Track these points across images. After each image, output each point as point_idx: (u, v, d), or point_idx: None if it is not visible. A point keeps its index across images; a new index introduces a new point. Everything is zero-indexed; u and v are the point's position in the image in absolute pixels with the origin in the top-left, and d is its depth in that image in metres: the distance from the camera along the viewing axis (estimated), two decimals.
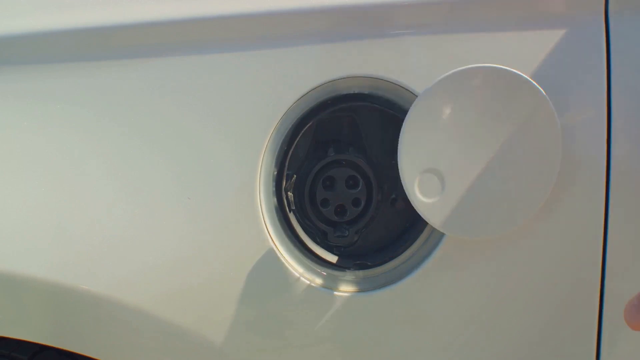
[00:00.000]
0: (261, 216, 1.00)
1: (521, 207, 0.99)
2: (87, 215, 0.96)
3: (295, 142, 1.02)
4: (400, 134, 0.97)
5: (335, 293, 1.03)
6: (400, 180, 0.99)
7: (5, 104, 0.96)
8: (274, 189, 1.02)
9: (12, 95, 0.96)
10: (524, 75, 0.95)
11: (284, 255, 1.01)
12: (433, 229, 1.04)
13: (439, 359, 1.07)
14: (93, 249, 0.96)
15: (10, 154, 0.96)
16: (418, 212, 0.99)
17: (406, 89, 0.99)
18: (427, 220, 0.99)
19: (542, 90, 0.95)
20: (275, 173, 1.02)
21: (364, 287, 1.05)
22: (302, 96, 0.99)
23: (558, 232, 1.03)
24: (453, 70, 0.95)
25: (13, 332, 0.99)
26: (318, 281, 1.03)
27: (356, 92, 1.01)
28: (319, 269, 1.05)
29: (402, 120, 0.97)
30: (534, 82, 0.95)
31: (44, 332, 1.00)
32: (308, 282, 1.02)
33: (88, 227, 0.96)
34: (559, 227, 1.03)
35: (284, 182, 1.02)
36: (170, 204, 0.97)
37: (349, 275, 1.06)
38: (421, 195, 0.98)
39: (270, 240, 1.00)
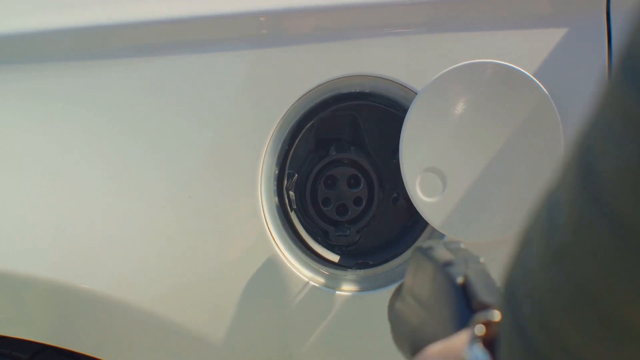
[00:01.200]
0: (262, 215, 0.99)
1: (522, 210, 0.98)
2: (88, 215, 0.96)
3: (297, 141, 1.01)
4: (401, 132, 0.96)
5: (337, 292, 1.03)
6: (401, 179, 0.99)
7: (5, 103, 0.96)
8: (276, 188, 1.02)
9: (12, 95, 0.96)
10: (524, 71, 0.95)
11: (286, 254, 1.01)
12: (434, 228, 1.04)
13: None
14: (93, 248, 0.96)
15: (10, 154, 0.96)
16: (419, 211, 0.98)
17: (407, 88, 0.99)
18: (427, 220, 0.99)
19: (543, 87, 0.95)
20: (277, 172, 1.02)
21: (366, 286, 1.05)
22: (304, 95, 0.99)
23: None
24: (452, 67, 0.95)
25: (14, 332, 0.99)
26: (319, 280, 1.03)
27: (357, 90, 1.01)
28: (320, 268, 1.05)
29: (404, 119, 0.97)
30: (535, 79, 0.95)
31: (45, 331, 1.00)
32: (309, 281, 1.02)
33: (89, 226, 0.96)
34: None
35: (285, 181, 1.02)
36: (172, 203, 0.97)
37: (351, 274, 1.06)
38: (422, 194, 0.98)
39: (271, 239, 1.00)
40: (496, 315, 0.48)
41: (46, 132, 0.96)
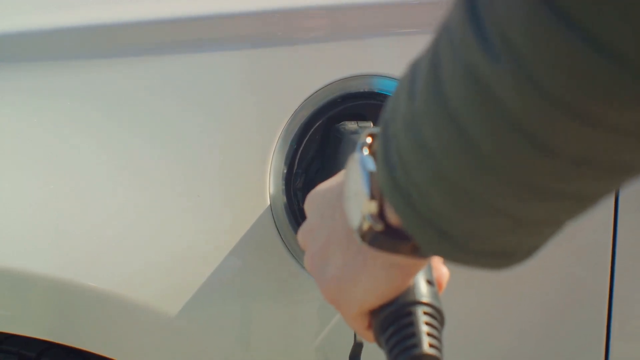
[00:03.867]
0: (271, 214, 1.00)
1: None
2: (95, 213, 0.96)
3: (305, 140, 1.01)
4: None
5: None
6: None
7: (10, 101, 0.96)
8: (284, 187, 1.02)
9: (15, 93, 0.96)
10: None
11: (294, 253, 1.01)
12: None
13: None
14: (100, 246, 0.96)
15: (15, 152, 0.96)
16: None
17: None
18: None
19: None
20: (285, 171, 1.02)
21: None
22: (312, 94, 0.99)
23: (565, 230, 1.03)
24: None
25: (20, 330, 0.99)
26: None
27: (366, 90, 1.02)
28: None
29: None
30: None
31: (51, 329, 1.00)
32: None
33: (95, 225, 0.96)
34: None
35: (294, 181, 1.02)
36: (180, 201, 0.97)
37: None
38: None
39: (279, 238, 1.00)
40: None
41: (52, 130, 0.96)
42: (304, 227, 0.67)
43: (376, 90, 1.01)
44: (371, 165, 0.54)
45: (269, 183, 0.99)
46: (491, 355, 1.08)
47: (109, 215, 0.96)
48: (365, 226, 0.54)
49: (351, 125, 0.96)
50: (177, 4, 0.99)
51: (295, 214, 1.02)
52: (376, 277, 0.58)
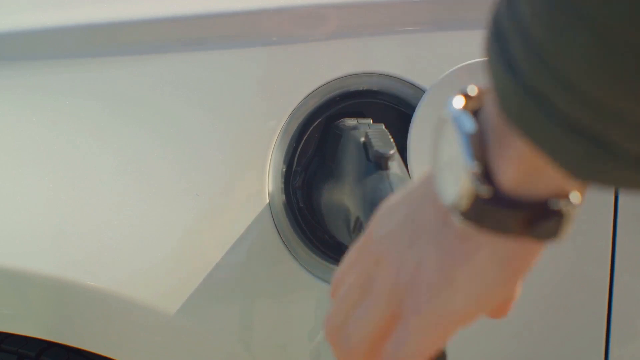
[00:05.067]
0: (270, 213, 1.00)
1: None
2: (94, 212, 0.96)
3: (304, 138, 1.02)
4: (409, 130, 0.97)
5: None
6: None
7: (10, 100, 0.96)
8: (283, 185, 1.02)
9: (17, 91, 0.96)
10: None
11: (293, 252, 1.01)
12: None
13: None
14: (99, 245, 0.96)
15: (17, 150, 0.96)
16: None
17: (415, 86, 0.99)
18: None
19: None
20: (284, 170, 1.02)
21: None
22: (312, 92, 0.99)
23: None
24: (461, 64, 0.95)
25: (20, 329, 0.99)
26: (327, 278, 1.03)
27: (365, 88, 1.02)
28: (328, 266, 1.04)
29: (412, 117, 0.97)
30: None
31: (51, 328, 1.00)
32: (317, 278, 1.02)
33: (95, 224, 0.96)
34: None
35: (293, 179, 1.02)
36: (179, 200, 0.97)
37: None
38: None
39: (278, 237, 1.00)
40: (473, 90, 0.46)
41: (52, 128, 0.96)
42: (353, 251, 0.51)
43: (375, 89, 1.02)
44: (469, 123, 0.44)
45: (267, 181, 0.99)
46: (491, 355, 1.08)
47: (108, 215, 0.96)
48: (466, 200, 0.43)
49: (350, 121, 0.97)
50: (177, 3, 0.99)
51: (294, 212, 1.02)
52: (479, 276, 0.45)
